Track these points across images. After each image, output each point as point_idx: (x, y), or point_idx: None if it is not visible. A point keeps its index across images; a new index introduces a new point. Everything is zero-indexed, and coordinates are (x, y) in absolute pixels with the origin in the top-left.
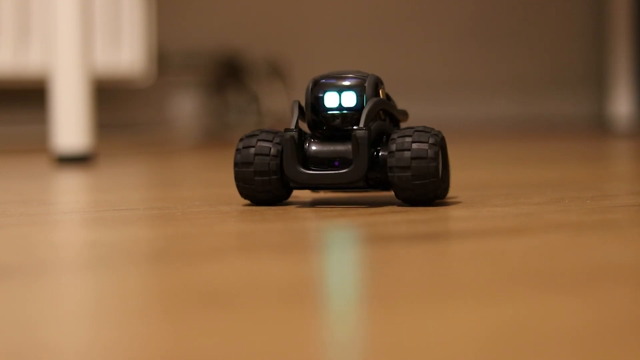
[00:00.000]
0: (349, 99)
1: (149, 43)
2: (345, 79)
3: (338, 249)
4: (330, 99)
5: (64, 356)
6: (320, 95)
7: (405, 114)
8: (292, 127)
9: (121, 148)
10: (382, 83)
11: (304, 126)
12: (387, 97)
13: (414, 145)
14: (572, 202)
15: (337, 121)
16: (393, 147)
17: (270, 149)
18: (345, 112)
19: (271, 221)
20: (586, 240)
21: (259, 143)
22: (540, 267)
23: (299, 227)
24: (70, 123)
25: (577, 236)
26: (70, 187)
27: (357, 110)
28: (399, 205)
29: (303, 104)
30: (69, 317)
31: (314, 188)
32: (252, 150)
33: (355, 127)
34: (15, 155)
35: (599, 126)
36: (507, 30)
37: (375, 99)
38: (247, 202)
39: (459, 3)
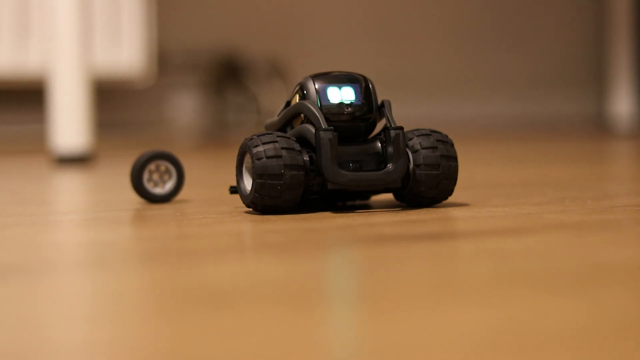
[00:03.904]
0: (349, 94)
1: (149, 43)
2: (341, 75)
3: (338, 249)
4: (333, 94)
5: (64, 356)
6: (322, 90)
7: None
8: (324, 126)
9: (121, 148)
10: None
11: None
12: None
13: (439, 145)
14: (573, 202)
15: (349, 109)
16: (418, 146)
17: (302, 159)
18: (349, 107)
19: (271, 221)
20: (586, 240)
21: (285, 152)
22: (540, 267)
23: (298, 227)
24: (69, 123)
25: (577, 236)
26: (70, 187)
27: (358, 105)
28: (398, 205)
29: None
30: (69, 317)
31: (354, 190)
32: (280, 161)
33: (388, 127)
34: (15, 155)
35: (600, 126)
36: (508, 30)
37: (382, 100)
38: None
39: (459, 3)
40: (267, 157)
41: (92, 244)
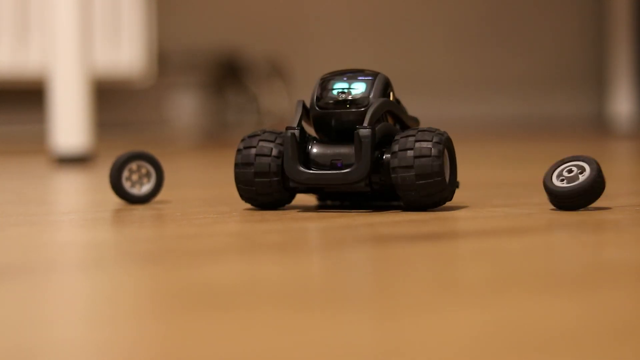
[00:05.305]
0: (350, 84)
1: (149, 43)
2: (354, 74)
3: (338, 249)
4: (333, 85)
5: (63, 356)
6: (328, 86)
7: (415, 121)
8: (295, 125)
9: (121, 148)
10: (391, 85)
11: (310, 130)
12: (397, 101)
13: (417, 144)
14: None
15: (343, 96)
16: (396, 147)
17: (271, 149)
18: (350, 101)
19: (271, 221)
20: (586, 240)
21: (260, 143)
22: (540, 267)
23: (299, 227)
24: (69, 123)
25: (577, 236)
26: (70, 187)
27: (363, 105)
28: (398, 205)
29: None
30: (69, 317)
31: (315, 189)
32: (253, 150)
33: (358, 126)
34: (15, 155)
35: (600, 126)
36: (508, 30)
37: (382, 99)
38: None
39: (458, 3)
40: (245, 148)
41: (91, 244)
